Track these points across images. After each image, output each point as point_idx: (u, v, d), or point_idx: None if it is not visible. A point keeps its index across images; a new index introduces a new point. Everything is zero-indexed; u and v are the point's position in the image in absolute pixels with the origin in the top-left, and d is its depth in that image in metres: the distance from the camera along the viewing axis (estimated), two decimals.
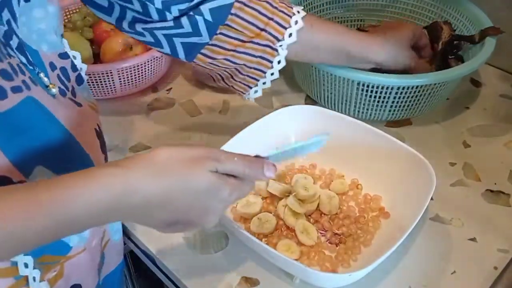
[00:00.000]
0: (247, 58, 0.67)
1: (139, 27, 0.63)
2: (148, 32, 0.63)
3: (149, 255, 0.68)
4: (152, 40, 0.65)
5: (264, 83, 0.71)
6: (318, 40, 0.69)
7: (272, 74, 0.69)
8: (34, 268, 0.46)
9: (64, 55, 0.54)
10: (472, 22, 0.87)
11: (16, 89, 0.43)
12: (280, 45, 0.67)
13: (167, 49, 0.65)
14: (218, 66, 0.68)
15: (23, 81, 0.44)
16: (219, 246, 0.67)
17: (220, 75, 0.72)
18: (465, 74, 0.77)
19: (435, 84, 0.76)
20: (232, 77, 0.71)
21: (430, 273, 0.63)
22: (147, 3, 0.60)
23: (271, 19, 0.66)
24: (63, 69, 0.54)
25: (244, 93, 0.73)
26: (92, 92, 0.89)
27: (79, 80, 0.55)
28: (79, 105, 0.53)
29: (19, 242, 0.37)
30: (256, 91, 0.72)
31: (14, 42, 0.45)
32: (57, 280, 0.50)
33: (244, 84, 0.71)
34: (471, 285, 0.62)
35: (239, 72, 0.69)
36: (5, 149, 0.41)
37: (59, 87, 0.50)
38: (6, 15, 0.44)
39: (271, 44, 0.67)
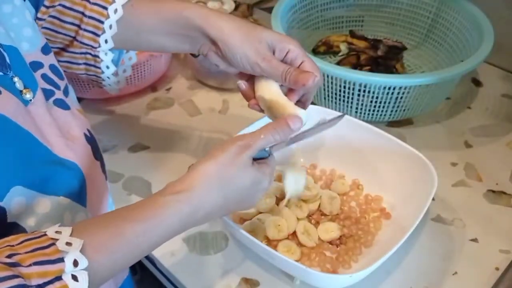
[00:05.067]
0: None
1: None
2: None
3: (148, 257, 0.67)
4: None
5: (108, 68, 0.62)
6: (146, 12, 0.59)
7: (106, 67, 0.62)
8: None
9: (46, 49, 0.52)
10: (470, 21, 0.87)
11: None
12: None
13: None
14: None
15: None
16: (218, 247, 0.67)
17: None
18: (464, 73, 0.76)
19: (436, 83, 0.76)
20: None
21: (432, 274, 0.63)
22: None
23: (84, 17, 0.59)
24: (52, 67, 0.52)
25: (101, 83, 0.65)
26: (91, 91, 0.89)
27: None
28: (67, 107, 0.51)
29: (107, 273, 0.40)
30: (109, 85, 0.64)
31: None
32: None
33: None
34: (472, 286, 0.62)
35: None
36: None
37: (43, 88, 0.48)
38: None
39: (90, 51, 0.60)
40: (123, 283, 0.61)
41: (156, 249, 0.65)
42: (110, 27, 0.58)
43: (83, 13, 0.58)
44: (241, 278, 0.63)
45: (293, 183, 0.61)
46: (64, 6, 0.58)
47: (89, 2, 0.58)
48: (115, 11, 0.58)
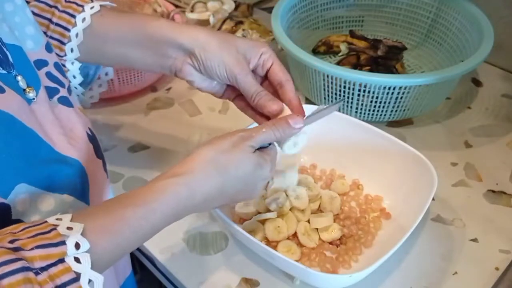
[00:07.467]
0: None
1: None
2: None
3: (148, 256, 0.67)
4: None
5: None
6: (114, 22, 0.57)
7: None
8: None
9: (49, 47, 0.52)
10: (470, 21, 0.87)
11: None
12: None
13: None
14: None
15: None
16: (218, 247, 0.67)
17: None
18: (464, 73, 0.76)
19: (436, 83, 0.76)
20: None
21: (432, 274, 0.63)
22: None
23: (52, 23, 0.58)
24: (56, 65, 0.52)
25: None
26: None
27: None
28: (71, 105, 0.51)
29: (110, 257, 0.40)
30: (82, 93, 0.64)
31: None
32: None
33: None
34: (472, 286, 0.62)
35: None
36: None
37: (47, 86, 0.48)
38: None
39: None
40: (125, 281, 0.61)
41: (156, 249, 0.66)
42: (77, 35, 0.57)
43: (50, 20, 0.57)
44: (241, 278, 0.63)
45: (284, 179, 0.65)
46: (32, 13, 0.56)
47: (58, 10, 0.57)
48: (83, 19, 0.57)
